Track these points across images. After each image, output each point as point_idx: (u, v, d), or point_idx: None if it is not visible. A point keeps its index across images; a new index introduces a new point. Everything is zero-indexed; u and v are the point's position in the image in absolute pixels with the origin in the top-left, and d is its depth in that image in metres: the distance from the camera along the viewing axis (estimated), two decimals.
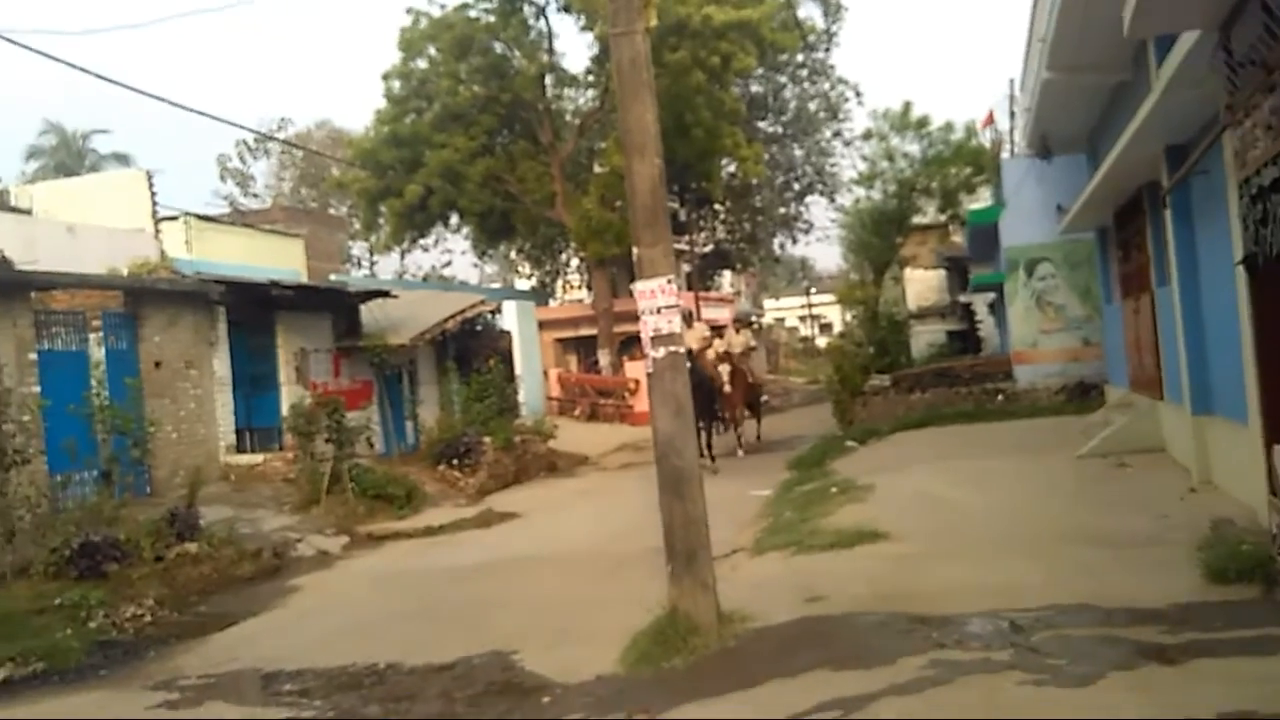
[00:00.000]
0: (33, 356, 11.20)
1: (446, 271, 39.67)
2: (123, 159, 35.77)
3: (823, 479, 12.01)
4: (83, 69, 11.83)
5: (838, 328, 56.36)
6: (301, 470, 13.63)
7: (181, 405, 13.53)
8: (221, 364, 14.36)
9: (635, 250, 6.14)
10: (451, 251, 61.34)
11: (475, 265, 41.90)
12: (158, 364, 13.21)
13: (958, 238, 31.74)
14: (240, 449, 14.66)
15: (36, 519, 9.93)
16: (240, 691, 6.58)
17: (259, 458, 14.44)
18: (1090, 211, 12.45)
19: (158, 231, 16.55)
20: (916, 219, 30.42)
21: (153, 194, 16.69)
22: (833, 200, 35.75)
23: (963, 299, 32.39)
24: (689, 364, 9.30)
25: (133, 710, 6.22)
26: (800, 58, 31.77)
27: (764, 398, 18.21)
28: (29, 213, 15.75)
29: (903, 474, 11.02)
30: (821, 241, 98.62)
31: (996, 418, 15.67)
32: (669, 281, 6.03)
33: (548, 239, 32.32)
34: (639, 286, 6.10)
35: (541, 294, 35.36)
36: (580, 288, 37.71)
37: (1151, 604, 5.48)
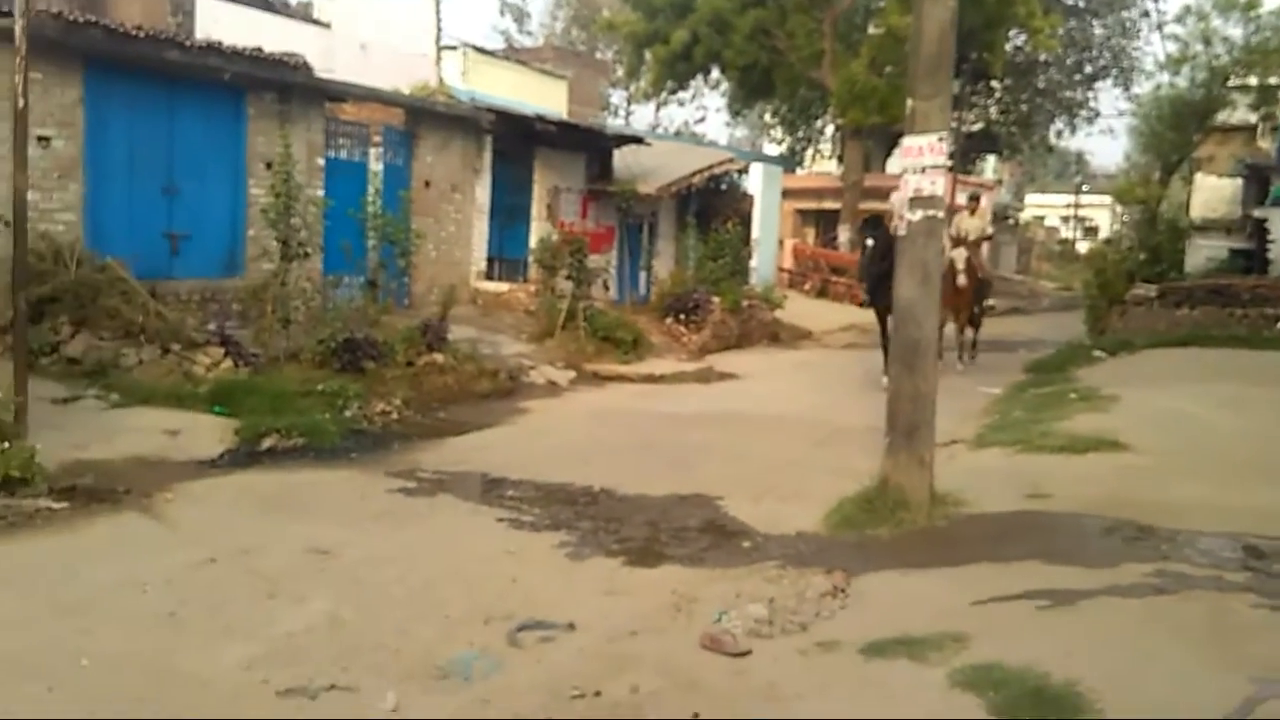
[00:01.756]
0: (320, 161, 12.26)
1: (698, 129, 39.54)
2: None
3: (1062, 384, 11.32)
4: None
5: (1104, 233, 52.03)
6: (541, 303, 14.31)
7: (443, 226, 14.44)
8: (483, 191, 15.12)
9: (910, 102, 5.80)
10: (705, 109, 60.84)
11: (727, 124, 41.50)
12: (427, 183, 14.09)
13: (1265, 143, 28.17)
14: (489, 276, 15.54)
15: (309, 312, 11.00)
16: (468, 489, 7.15)
17: (504, 286, 15.27)
18: None
19: (439, 58, 17.36)
20: (1222, 116, 27.14)
21: (439, 21, 17.46)
22: (1127, 89, 32.41)
23: (1257, 214, 28.96)
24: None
25: (374, 490, 6.90)
26: None
27: (989, 301, 15.20)
28: (329, 26, 16.85)
29: (1153, 389, 10.20)
30: (1104, 134, 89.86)
31: (1271, 346, 14.11)
32: (940, 139, 5.69)
33: (805, 103, 31.31)
34: (907, 141, 5.80)
35: (789, 161, 34.55)
36: (830, 159, 36.56)
37: None
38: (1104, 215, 57.04)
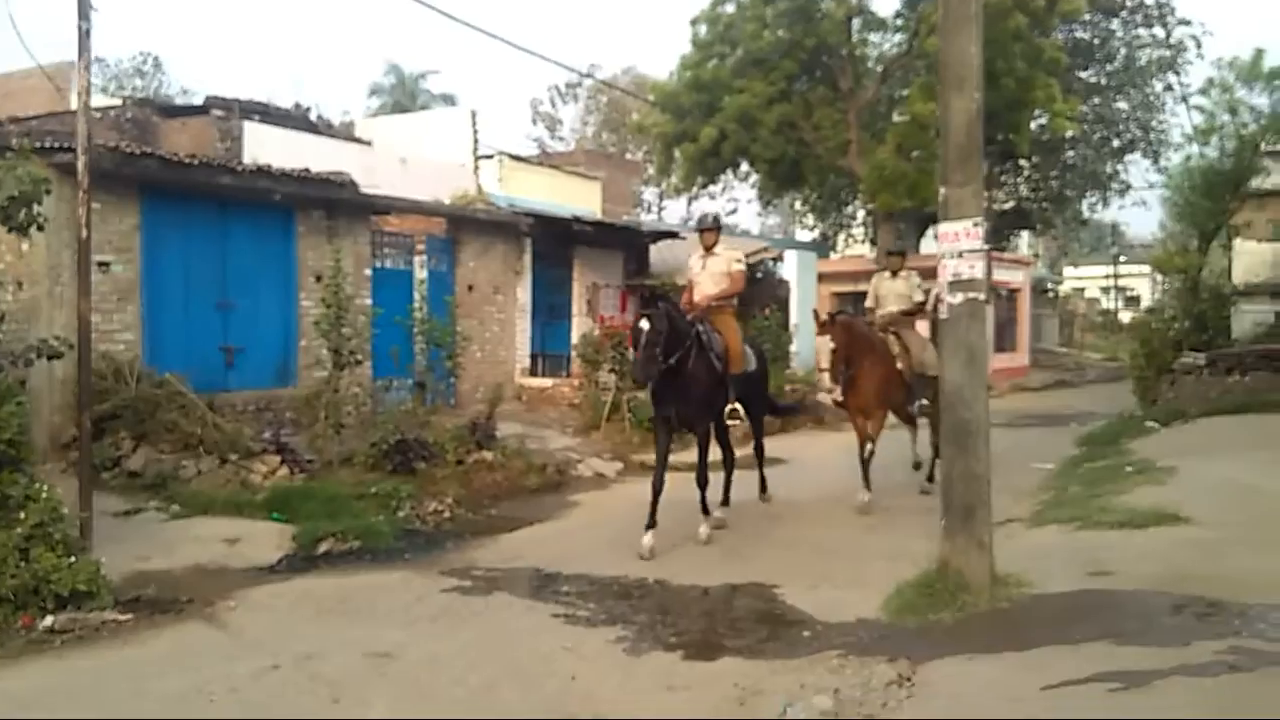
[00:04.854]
0: (368, 272, 12.68)
1: (731, 220, 40.15)
2: (449, 99, 38.88)
3: (1116, 457, 11.21)
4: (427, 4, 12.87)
5: (1145, 301, 51.60)
6: (585, 397, 14.46)
7: (487, 327, 14.76)
8: (524, 292, 15.53)
9: (942, 190, 5.97)
10: (737, 200, 62.01)
11: (759, 215, 42.11)
12: (470, 287, 14.48)
13: None
14: (533, 372, 15.79)
15: (360, 416, 11.24)
16: (523, 586, 7.15)
17: (548, 382, 15.49)
18: None
19: (476, 167, 17.99)
20: (1256, 182, 27.01)
21: (475, 133, 18.13)
22: (1156, 160, 32.50)
23: None
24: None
25: (430, 590, 6.93)
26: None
27: (921, 401, 9.94)
28: (369, 144, 17.58)
29: (1210, 459, 10.04)
30: (1137, 206, 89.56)
31: None
32: (975, 224, 5.83)
33: (835, 190, 31.71)
34: (943, 228, 5.95)
35: (823, 246, 34.88)
36: (863, 242, 36.83)
37: None
38: (1144, 284, 56.60)
